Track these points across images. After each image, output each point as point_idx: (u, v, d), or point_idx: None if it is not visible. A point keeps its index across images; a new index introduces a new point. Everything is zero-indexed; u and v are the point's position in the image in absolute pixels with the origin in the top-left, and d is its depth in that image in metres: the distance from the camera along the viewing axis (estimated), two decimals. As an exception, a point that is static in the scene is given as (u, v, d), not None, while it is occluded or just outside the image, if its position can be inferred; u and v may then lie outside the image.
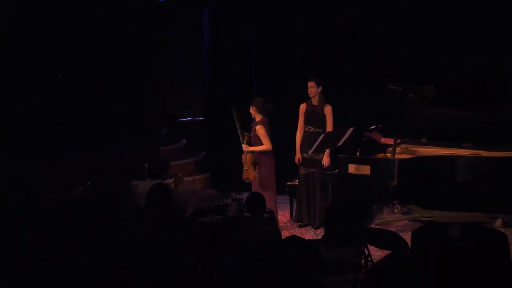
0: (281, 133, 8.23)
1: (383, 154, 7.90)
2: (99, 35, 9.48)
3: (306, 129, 7.78)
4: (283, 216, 8.31)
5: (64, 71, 9.49)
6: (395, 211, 8.10)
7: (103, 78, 9.50)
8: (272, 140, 7.37)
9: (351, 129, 7.60)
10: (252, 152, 7.32)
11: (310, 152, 7.63)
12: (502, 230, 6.62)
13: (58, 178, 6.99)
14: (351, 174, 7.48)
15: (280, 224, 7.69)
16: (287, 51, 9.41)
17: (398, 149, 7.75)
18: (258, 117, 7.33)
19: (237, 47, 9.84)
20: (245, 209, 5.97)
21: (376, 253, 5.46)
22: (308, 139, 7.70)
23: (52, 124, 9.07)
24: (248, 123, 7.44)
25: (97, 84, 9.47)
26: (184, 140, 10.76)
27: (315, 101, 7.72)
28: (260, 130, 7.23)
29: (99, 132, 9.36)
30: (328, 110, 7.65)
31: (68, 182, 7.04)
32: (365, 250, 4.97)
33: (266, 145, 7.25)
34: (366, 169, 7.41)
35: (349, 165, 7.49)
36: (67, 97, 9.32)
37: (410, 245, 4.84)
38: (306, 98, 7.87)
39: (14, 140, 8.65)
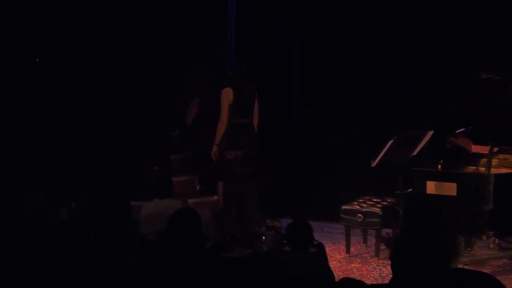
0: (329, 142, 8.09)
1: (474, 167, 7.10)
2: (103, 35, 8.89)
3: None
4: (336, 251, 7.34)
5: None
6: (491, 245, 7.19)
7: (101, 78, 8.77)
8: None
9: (430, 133, 6.87)
10: None
11: (374, 164, 6.72)
12: None
13: (28, 197, 5.82)
14: (430, 194, 6.62)
15: (333, 262, 6.77)
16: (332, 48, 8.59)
17: (494, 161, 6.92)
18: None
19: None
20: (284, 241, 5.56)
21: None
22: None
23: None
24: None
25: (93, 84, 8.67)
26: None
27: None
28: None
29: (88, 136, 8.20)
30: None
31: (43, 202, 6.10)
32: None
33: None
34: (451, 188, 6.52)
35: (428, 183, 6.60)
36: (48, 99, 8.45)
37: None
38: (351, 98, 8.04)
39: None
